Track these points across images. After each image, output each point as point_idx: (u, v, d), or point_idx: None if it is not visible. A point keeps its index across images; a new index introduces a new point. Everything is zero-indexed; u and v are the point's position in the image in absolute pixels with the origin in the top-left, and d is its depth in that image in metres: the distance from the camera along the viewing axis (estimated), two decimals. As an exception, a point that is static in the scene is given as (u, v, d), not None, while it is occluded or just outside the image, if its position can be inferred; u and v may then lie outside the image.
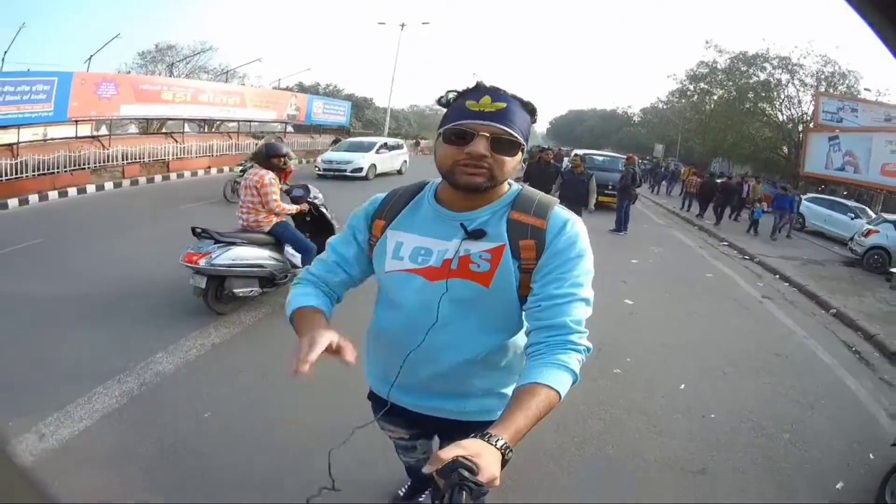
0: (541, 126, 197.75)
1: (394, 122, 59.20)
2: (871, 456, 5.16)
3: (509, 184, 1.95)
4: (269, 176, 7.00)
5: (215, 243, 6.71)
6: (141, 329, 6.43)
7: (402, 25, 51.17)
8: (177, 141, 25.82)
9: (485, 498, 1.29)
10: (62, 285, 8.01)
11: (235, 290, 6.92)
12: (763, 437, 5.28)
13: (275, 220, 7.22)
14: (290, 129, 37.76)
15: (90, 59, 22.64)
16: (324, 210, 8.08)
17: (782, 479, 4.65)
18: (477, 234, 1.85)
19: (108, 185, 19.68)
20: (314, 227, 8.00)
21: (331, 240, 2.18)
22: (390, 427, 2.42)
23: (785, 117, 40.29)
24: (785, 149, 38.87)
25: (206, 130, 31.50)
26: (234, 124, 32.49)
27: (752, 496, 4.37)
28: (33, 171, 17.72)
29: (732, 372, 6.82)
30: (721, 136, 41.49)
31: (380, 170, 26.53)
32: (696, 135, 44.08)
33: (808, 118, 36.41)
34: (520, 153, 1.80)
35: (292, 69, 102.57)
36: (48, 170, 18.12)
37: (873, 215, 19.87)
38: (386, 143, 28.84)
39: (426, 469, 1.31)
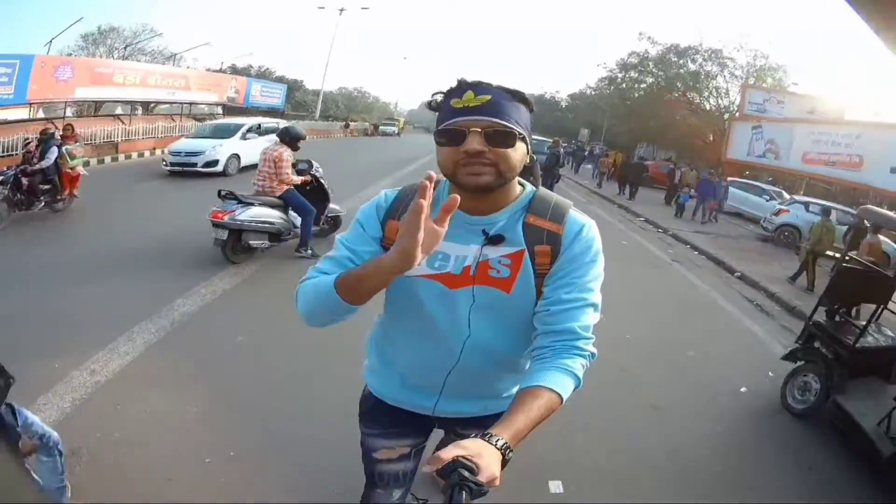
0: None
1: (322, 105, 58.75)
2: (770, 374, 6.61)
3: (522, 185, 1.91)
4: (287, 153, 8.42)
5: (238, 203, 8.08)
6: (157, 281, 7.52)
7: (341, 10, 51.66)
8: (124, 123, 25.94)
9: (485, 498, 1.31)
10: (66, 252, 9.05)
11: (251, 242, 8.34)
12: (674, 352, 6.90)
13: (285, 187, 8.57)
14: (218, 110, 37.34)
15: (51, 42, 23.23)
16: (322, 181, 9.51)
17: (692, 381, 6.21)
18: (496, 240, 1.80)
19: None
20: (314, 195, 9.30)
21: (339, 236, 2.00)
22: (393, 442, 2.27)
23: (712, 106, 42.27)
24: (711, 136, 40.63)
25: (140, 113, 31.18)
26: (177, 106, 33.01)
27: (666, 391, 5.85)
28: None
29: (642, 311, 8.37)
30: (646, 122, 43.19)
31: (247, 160, 18.88)
32: (623, 120, 45.48)
33: (735, 108, 38.13)
34: (521, 144, 1.73)
35: (235, 52, 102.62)
36: (7, 151, 18.27)
37: (787, 197, 21.31)
38: (259, 126, 21.00)
39: (426, 469, 1.31)
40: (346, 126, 54.25)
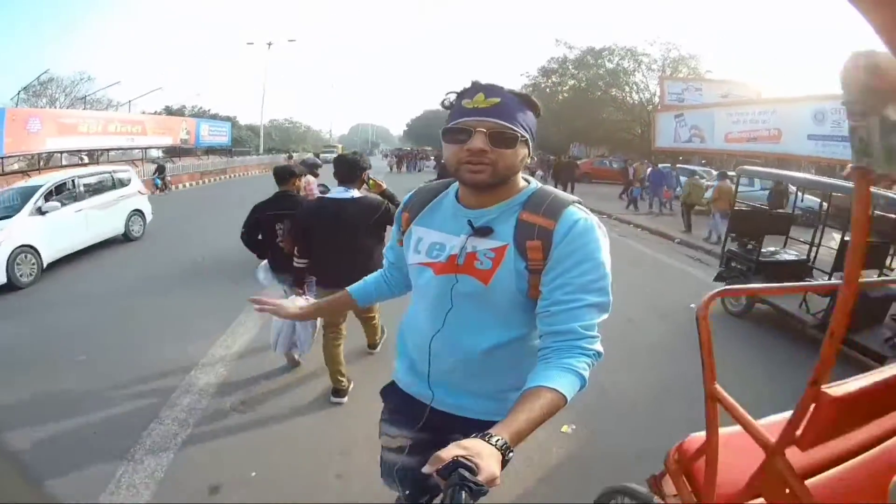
0: (397, 129, 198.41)
1: (257, 138, 59.91)
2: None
3: (526, 180, 1.96)
4: (314, 181, 9.85)
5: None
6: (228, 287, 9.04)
7: (269, 44, 53.12)
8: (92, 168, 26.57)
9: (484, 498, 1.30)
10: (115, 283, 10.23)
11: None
12: (637, 289, 9.40)
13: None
14: (159, 152, 38.47)
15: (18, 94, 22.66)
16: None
17: (654, 304, 8.78)
18: (483, 231, 1.87)
19: None
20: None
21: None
22: (395, 431, 2.34)
23: (635, 101, 44.34)
24: (638, 129, 42.40)
25: (87, 161, 31.74)
26: (132, 152, 33.89)
27: (636, 310, 8.22)
28: None
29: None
30: (574, 123, 44.71)
31: (61, 248, 11.17)
32: (551, 123, 47.24)
33: (658, 100, 39.83)
34: (523, 146, 1.80)
35: (162, 92, 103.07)
36: None
37: (714, 174, 23.12)
38: (73, 182, 12.34)
39: (426, 469, 1.29)
40: (290, 157, 54.86)
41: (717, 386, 2.28)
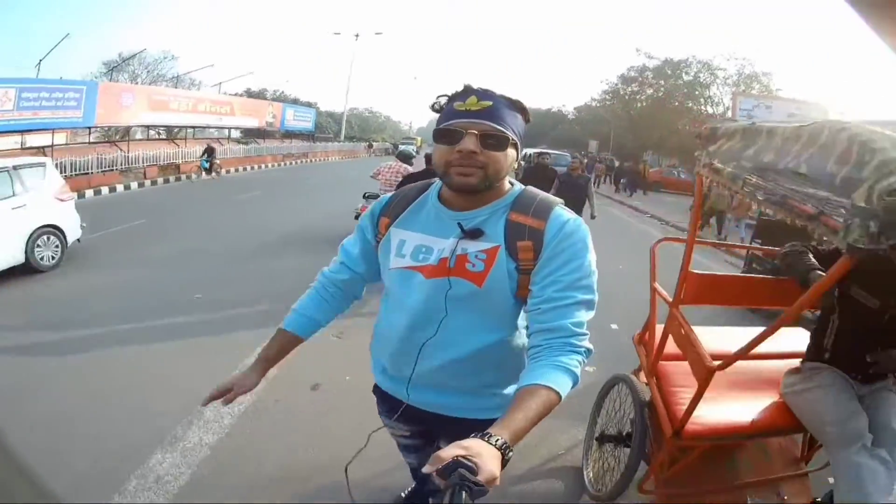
0: None
1: (336, 125, 61.29)
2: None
3: (511, 183, 1.99)
4: (406, 167, 10.79)
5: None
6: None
7: (357, 36, 55.21)
8: (178, 146, 28.67)
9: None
10: (176, 248, 11.16)
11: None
12: (635, 253, 10.36)
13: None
14: (235, 133, 39.46)
15: (39, 63, 23.58)
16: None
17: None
18: (474, 234, 1.88)
19: (134, 185, 21.71)
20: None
21: (343, 241, 2.28)
22: (392, 423, 2.31)
23: (710, 113, 44.36)
24: None
25: (166, 137, 33.31)
26: (217, 131, 35.94)
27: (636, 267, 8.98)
28: (70, 171, 19.45)
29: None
30: (648, 132, 45.91)
31: None
32: (627, 131, 47.97)
33: (730, 114, 39.63)
34: (512, 150, 1.83)
35: (242, 74, 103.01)
36: (81, 170, 20.38)
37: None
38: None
39: (426, 469, 1.31)
40: (370, 146, 57.61)
41: (657, 283, 3.97)
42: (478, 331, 1.94)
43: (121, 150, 24.34)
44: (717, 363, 2.84)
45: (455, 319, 1.92)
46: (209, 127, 35.46)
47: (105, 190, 20.21)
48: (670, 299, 3.62)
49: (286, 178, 28.80)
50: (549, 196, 1.96)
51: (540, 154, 13.57)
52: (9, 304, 7.69)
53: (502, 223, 1.87)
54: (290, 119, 43.69)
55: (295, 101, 57.01)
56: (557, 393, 1.59)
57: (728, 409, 3.27)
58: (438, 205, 1.97)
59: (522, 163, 2.01)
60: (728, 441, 3.44)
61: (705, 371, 2.88)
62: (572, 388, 1.66)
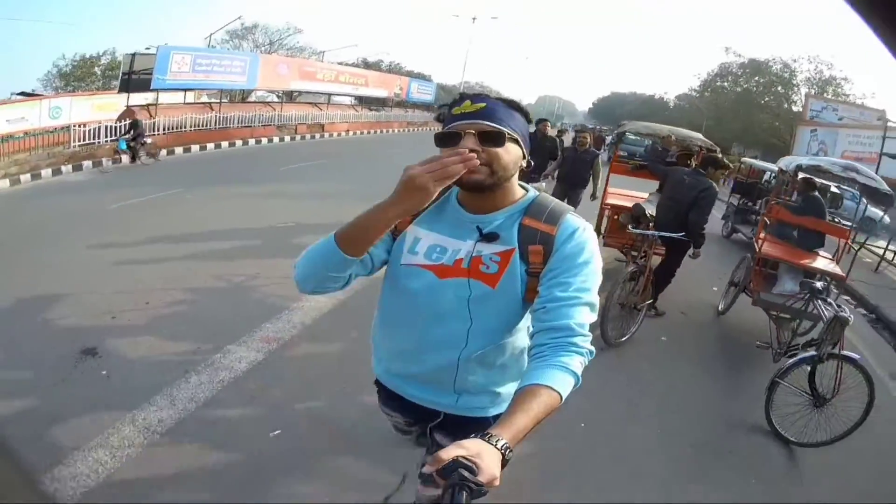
0: (583, 105, 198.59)
1: (449, 97, 63.26)
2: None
3: (525, 189, 2.01)
4: None
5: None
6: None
7: (474, 19, 62.63)
8: (321, 109, 34.47)
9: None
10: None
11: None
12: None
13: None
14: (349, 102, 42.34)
15: (210, 36, 29.75)
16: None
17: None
18: (490, 237, 1.91)
19: (287, 139, 27.47)
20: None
21: None
22: (391, 412, 2.42)
23: (788, 110, 48.25)
24: (788, 137, 45.55)
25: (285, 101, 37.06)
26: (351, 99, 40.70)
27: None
28: (238, 124, 25.38)
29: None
30: (732, 124, 49.44)
31: None
32: (717, 122, 51.37)
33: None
34: (513, 145, 1.85)
35: (368, 50, 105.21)
36: (247, 124, 26.03)
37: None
38: None
39: (426, 469, 1.35)
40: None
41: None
42: (488, 333, 1.97)
43: (275, 110, 30.23)
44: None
45: (480, 322, 1.94)
46: (359, 96, 40.37)
47: (265, 141, 26.01)
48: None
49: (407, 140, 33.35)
50: (562, 203, 1.99)
51: (540, 121, 11.51)
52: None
53: (516, 227, 1.91)
54: (415, 91, 48.29)
55: (418, 76, 60.63)
56: (559, 394, 1.60)
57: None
58: (457, 207, 1.99)
59: (532, 163, 2.03)
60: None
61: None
62: (573, 388, 1.68)
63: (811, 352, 5.29)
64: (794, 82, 49.17)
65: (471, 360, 2.00)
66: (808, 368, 5.18)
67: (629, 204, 8.83)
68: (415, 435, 2.58)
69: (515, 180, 1.96)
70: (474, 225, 1.94)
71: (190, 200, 12.62)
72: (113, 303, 6.47)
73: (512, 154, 1.85)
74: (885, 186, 7.22)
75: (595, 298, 1.83)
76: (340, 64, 40.65)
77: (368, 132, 35.77)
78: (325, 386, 5.08)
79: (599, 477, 4.35)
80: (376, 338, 2.29)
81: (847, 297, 10.09)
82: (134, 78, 22.52)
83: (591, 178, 10.46)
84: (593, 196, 10.74)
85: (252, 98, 35.06)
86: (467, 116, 1.82)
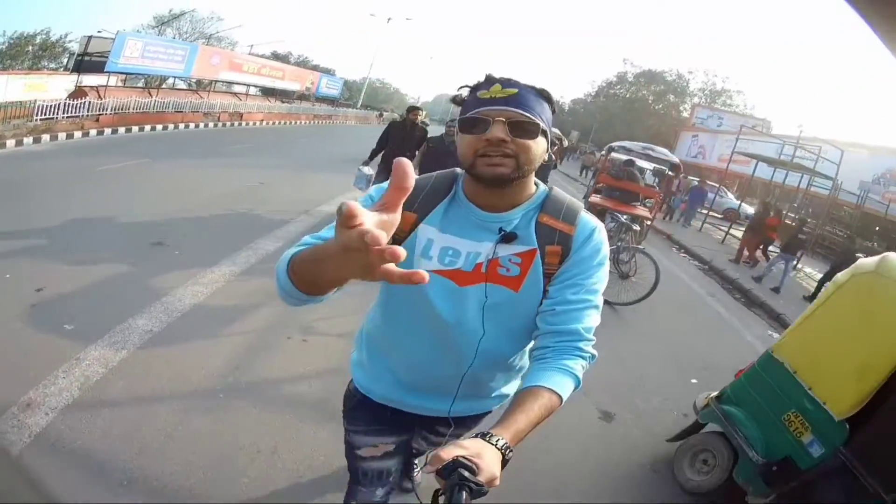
0: None
1: (347, 92, 67.43)
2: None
3: (536, 184, 1.88)
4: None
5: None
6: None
7: (389, 19, 65.62)
8: (241, 99, 36.15)
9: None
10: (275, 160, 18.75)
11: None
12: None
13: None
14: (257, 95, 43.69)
15: (162, 23, 32.10)
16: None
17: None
18: (509, 238, 1.78)
19: (211, 125, 29.04)
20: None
21: (322, 231, 1.71)
22: (377, 439, 2.20)
23: (675, 117, 52.31)
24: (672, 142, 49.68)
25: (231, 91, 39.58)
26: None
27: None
28: (172, 108, 26.53)
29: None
30: (622, 127, 51.78)
31: None
32: (607, 125, 55.15)
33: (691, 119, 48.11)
34: (542, 138, 1.71)
35: (269, 37, 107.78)
36: (179, 109, 27.40)
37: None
38: None
39: (426, 469, 1.31)
40: (380, 115, 63.53)
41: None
42: (510, 340, 1.89)
43: (202, 98, 32.06)
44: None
45: (494, 332, 1.82)
46: (277, 88, 41.84)
47: (192, 126, 27.07)
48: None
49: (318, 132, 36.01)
50: (575, 200, 1.88)
51: (411, 109, 11.03)
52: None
53: (533, 226, 1.78)
54: (324, 86, 50.41)
55: (315, 68, 62.31)
56: (560, 396, 1.57)
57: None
58: (467, 203, 1.82)
59: (553, 155, 1.95)
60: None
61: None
62: (574, 391, 1.65)
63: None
64: (688, 92, 53.83)
65: (497, 368, 1.98)
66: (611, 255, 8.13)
67: None
68: (393, 472, 2.29)
69: (533, 174, 1.81)
70: (491, 225, 1.79)
71: (161, 169, 14.40)
72: (169, 214, 9.59)
73: (540, 146, 1.71)
74: (674, 159, 13.27)
75: (601, 301, 1.79)
76: (262, 56, 43.19)
77: (280, 123, 37.51)
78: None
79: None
80: (374, 347, 2.14)
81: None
82: (87, 60, 23.95)
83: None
84: None
85: (182, 85, 36.57)
86: (497, 102, 1.66)
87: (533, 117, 1.66)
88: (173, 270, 6.89)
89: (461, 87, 1.81)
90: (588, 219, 1.83)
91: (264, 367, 5.08)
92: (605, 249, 1.81)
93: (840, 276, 4.20)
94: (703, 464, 4.63)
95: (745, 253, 17.66)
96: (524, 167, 1.69)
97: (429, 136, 9.78)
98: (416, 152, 9.58)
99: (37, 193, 9.81)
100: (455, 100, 1.82)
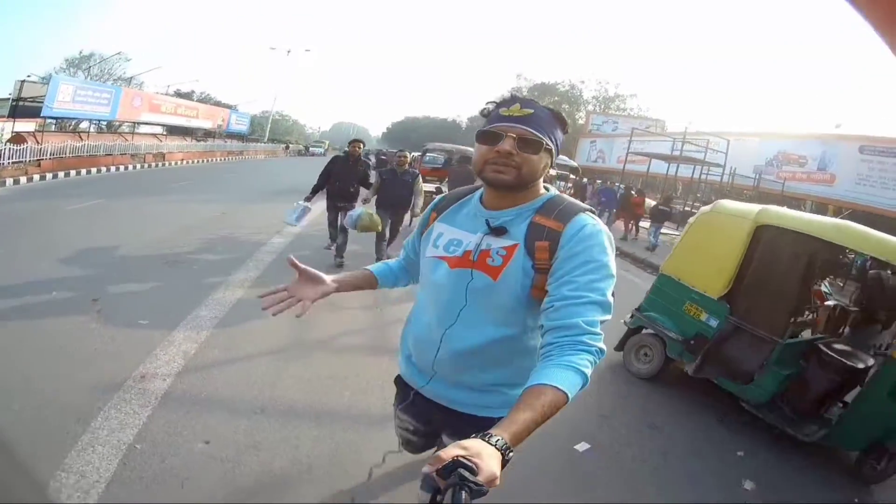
0: (376, 131, 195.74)
1: (250, 126, 67.38)
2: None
3: (546, 188, 2.06)
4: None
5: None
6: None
7: (289, 52, 68.75)
8: (160, 140, 37.00)
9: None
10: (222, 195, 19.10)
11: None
12: None
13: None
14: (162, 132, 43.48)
15: (89, 68, 32.12)
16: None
17: None
18: (498, 231, 1.96)
19: (138, 166, 29.00)
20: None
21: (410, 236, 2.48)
22: (401, 415, 2.46)
23: (573, 127, 54.04)
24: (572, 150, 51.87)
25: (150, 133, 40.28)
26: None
27: None
28: (102, 152, 26.59)
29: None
30: (515, 138, 55.12)
31: None
32: (504, 140, 57.37)
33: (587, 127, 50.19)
34: (546, 155, 1.92)
35: (183, 77, 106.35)
36: (109, 152, 27.56)
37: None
38: None
39: (426, 469, 1.31)
40: (287, 147, 65.99)
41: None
42: (489, 324, 1.98)
43: (128, 140, 32.78)
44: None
45: (471, 310, 1.99)
46: (191, 127, 43.06)
47: (122, 168, 26.97)
48: None
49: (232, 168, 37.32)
50: (579, 203, 1.99)
51: (353, 142, 10.32)
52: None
53: (526, 224, 1.94)
54: (234, 123, 51.97)
55: (218, 104, 62.60)
56: (565, 393, 1.56)
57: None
58: (478, 204, 2.08)
59: (556, 169, 2.08)
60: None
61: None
62: (581, 388, 1.64)
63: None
64: (583, 100, 56.64)
65: (478, 353, 2.03)
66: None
67: (433, 190, 14.14)
68: (419, 444, 2.60)
69: (540, 183, 2.02)
70: (484, 219, 2.01)
71: (122, 207, 15.00)
72: (161, 242, 10.55)
73: (542, 162, 1.91)
74: (572, 163, 16.51)
75: (607, 298, 1.81)
76: (176, 95, 44.11)
77: (199, 161, 38.21)
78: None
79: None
80: (407, 327, 2.37)
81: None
82: (21, 105, 24.61)
83: (413, 198, 9.98)
84: (414, 214, 10.37)
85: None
86: (514, 120, 1.87)
87: (541, 136, 1.88)
88: (200, 279, 8.19)
89: (489, 103, 2.05)
90: (584, 218, 1.92)
91: (321, 328, 6.59)
92: (600, 245, 1.86)
93: (692, 217, 7.05)
94: (644, 356, 6.77)
95: (629, 228, 21.95)
96: (525, 177, 1.91)
97: (381, 168, 10.52)
98: (361, 187, 9.95)
99: (27, 230, 10.65)
100: (483, 112, 2.05)
